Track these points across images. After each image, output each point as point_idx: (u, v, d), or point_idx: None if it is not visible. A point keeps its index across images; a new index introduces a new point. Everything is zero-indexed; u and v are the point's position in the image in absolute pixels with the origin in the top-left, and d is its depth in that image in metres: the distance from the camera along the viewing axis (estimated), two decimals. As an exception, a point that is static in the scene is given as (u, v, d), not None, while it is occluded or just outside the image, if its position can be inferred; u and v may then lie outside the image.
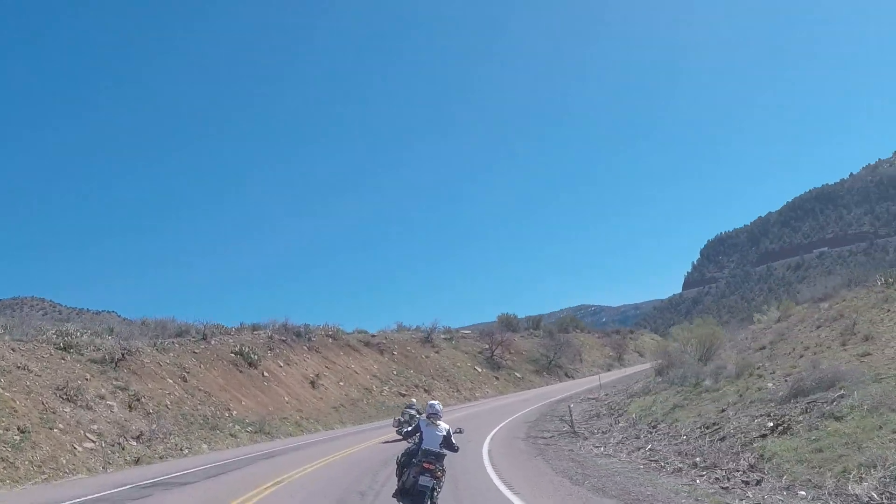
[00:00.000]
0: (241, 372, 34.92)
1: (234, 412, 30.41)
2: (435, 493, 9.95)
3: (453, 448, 10.50)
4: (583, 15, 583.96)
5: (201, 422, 27.50)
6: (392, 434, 24.35)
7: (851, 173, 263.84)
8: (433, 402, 10.95)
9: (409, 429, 11.47)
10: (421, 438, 10.35)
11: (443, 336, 59.29)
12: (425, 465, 9.84)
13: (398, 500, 10.21)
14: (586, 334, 75.45)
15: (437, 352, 54.35)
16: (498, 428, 26.90)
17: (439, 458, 10.05)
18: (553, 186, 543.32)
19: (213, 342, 36.64)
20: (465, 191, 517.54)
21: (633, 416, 22.34)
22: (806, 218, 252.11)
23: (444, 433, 10.30)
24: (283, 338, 41.44)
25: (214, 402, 30.25)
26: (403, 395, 43.01)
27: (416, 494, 9.78)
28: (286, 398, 35.14)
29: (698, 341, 27.19)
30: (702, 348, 26.51)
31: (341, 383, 41.03)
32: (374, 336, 53.56)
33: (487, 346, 58.33)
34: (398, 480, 10.47)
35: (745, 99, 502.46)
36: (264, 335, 41.04)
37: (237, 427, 28.91)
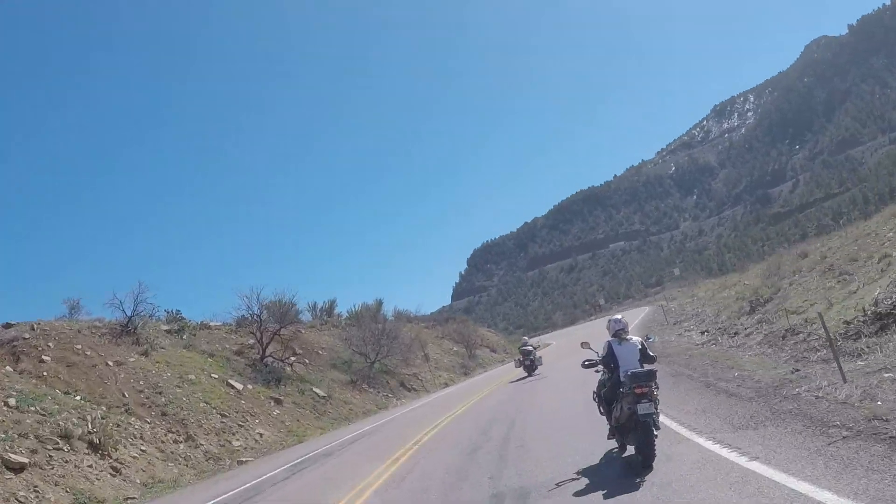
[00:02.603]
0: None
1: None
2: (657, 418, 7.68)
3: (652, 360, 8.39)
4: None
5: None
6: (516, 373, 22.23)
7: (615, 175, 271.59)
8: (616, 316, 8.97)
9: (600, 357, 8.82)
10: (616, 362, 8.32)
11: (165, 327, 30.36)
12: (637, 390, 7.57)
13: (617, 440, 8.40)
14: (407, 322, 47.00)
15: (144, 354, 25.45)
16: None
17: (650, 375, 7.76)
18: (318, 203, 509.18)
19: None
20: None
21: None
22: (575, 220, 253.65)
23: (640, 346, 8.43)
24: None
25: None
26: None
27: (640, 426, 7.50)
28: None
29: None
30: None
31: None
32: (8, 327, 24.01)
33: (254, 342, 30.43)
34: (608, 418, 8.58)
35: (501, 106, 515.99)
36: None
37: None
